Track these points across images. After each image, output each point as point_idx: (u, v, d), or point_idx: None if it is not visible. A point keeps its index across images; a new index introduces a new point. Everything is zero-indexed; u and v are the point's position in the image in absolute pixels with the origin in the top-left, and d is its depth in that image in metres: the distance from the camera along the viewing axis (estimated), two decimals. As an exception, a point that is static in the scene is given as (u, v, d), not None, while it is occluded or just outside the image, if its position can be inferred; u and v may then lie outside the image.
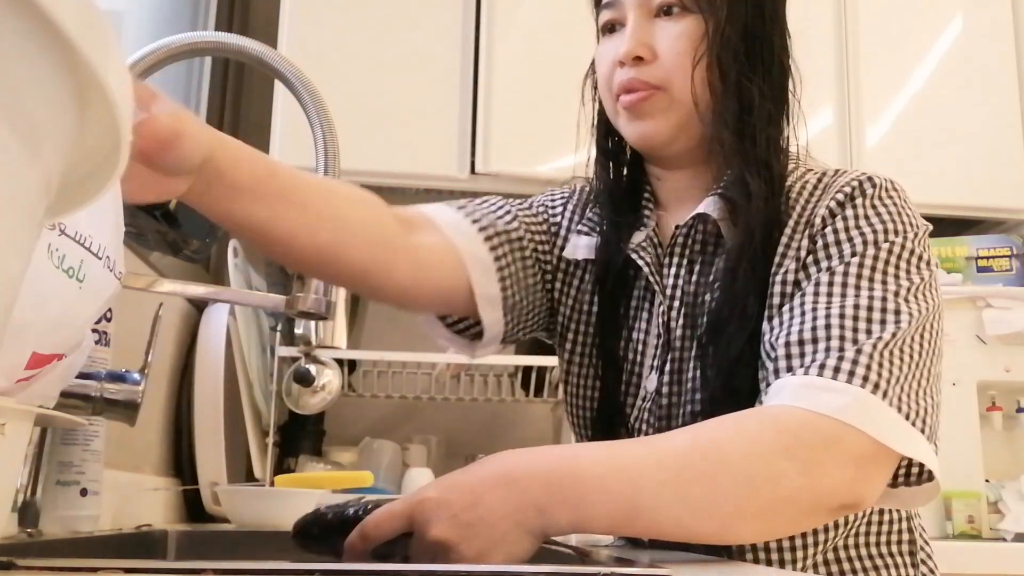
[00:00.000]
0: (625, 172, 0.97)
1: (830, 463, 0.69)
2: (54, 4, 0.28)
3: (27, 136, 0.30)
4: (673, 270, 0.90)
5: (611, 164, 0.97)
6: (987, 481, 1.84)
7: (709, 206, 0.86)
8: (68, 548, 0.85)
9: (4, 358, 0.51)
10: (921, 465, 0.74)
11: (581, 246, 0.96)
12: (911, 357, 0.75)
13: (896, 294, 0.77)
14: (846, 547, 0.86)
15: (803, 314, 0.77)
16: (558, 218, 1.00)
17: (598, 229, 0.96)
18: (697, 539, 0.70)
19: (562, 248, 0.98)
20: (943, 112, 2.10)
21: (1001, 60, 2.13)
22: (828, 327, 0.75)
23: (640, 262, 0.91)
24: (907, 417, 0.72)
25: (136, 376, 0.87)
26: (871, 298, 0.77)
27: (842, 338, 0.74)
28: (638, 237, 0.92)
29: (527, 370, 1.97)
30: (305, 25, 1.95)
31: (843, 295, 0.77)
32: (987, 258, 2.01)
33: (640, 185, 0.96)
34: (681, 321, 0.88)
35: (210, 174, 0.71)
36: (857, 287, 0.78)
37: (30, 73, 0.29)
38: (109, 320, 0.96)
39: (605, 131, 0.97)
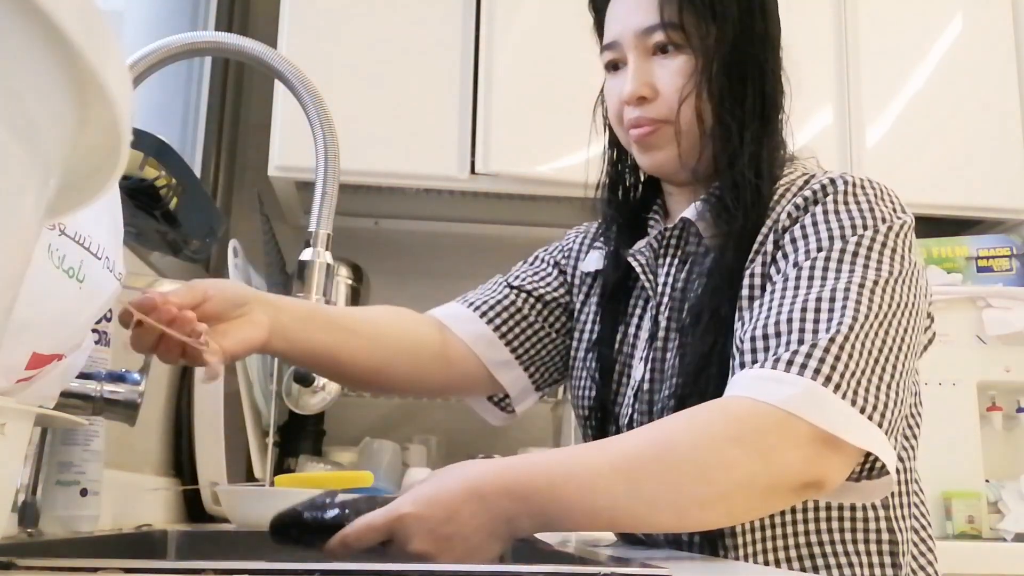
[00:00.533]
0: (640, 190, 1.04)
1: (781, 445, 0.71)
2: (54, 4, 0.28)
3: (27, 136, 0.30)
4: (665, 268, 0.95)
5: (620, 191, 1.04)
6: (987, 481, 1.83)
7: (693, 212, 0.92)
8: (68, 548, 0.85)
9: (4, 358, 0.51)
10: (877, 458, 0.75)
11: (593, 259, 1.05)
12: (872, 352, 0.75)
13: (861, 285, 0.78)
14: (820, 543, 0.87)
15: (769, 309, 0.79)
16: (570, 244, 1.11)
17: (609, 243, 1.03)
18: (658, 530, 0.74)
19: (574, 267, 1.08)
20: (943, 112, 2.10)
21: (1001, 60, 2.13)
22: (790, 321, 0.77)
23: (635, 264, 0.96)
24: (862, 411, 0.73)
25: (136, 376, 0.87)
26: (834, 289, 0.78)
27: (802, 331, 0.76)
28: (640, 244, 0.98)
29: (527, 370, 1.96)
30: (305, 25, 1.95)
31: (808, 287, 0.79)
32: (987, 258, 2.01)
33: (650, 201, 1.02)
34: (667, 313, 0.93)
35: (275, 309, 0.88)
36: (823, 278, 0.79)
37: (30, 73, 0.29)
38: (109, 320, 0.96)
39: (617, 157, 1.03)
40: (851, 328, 0.75)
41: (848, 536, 0.87)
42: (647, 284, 0.95)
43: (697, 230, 0.92)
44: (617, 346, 0.97)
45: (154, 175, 1.14)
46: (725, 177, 0.90)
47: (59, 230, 0.55)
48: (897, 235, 0.82)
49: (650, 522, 0.73)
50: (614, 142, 1.02)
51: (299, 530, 0.72)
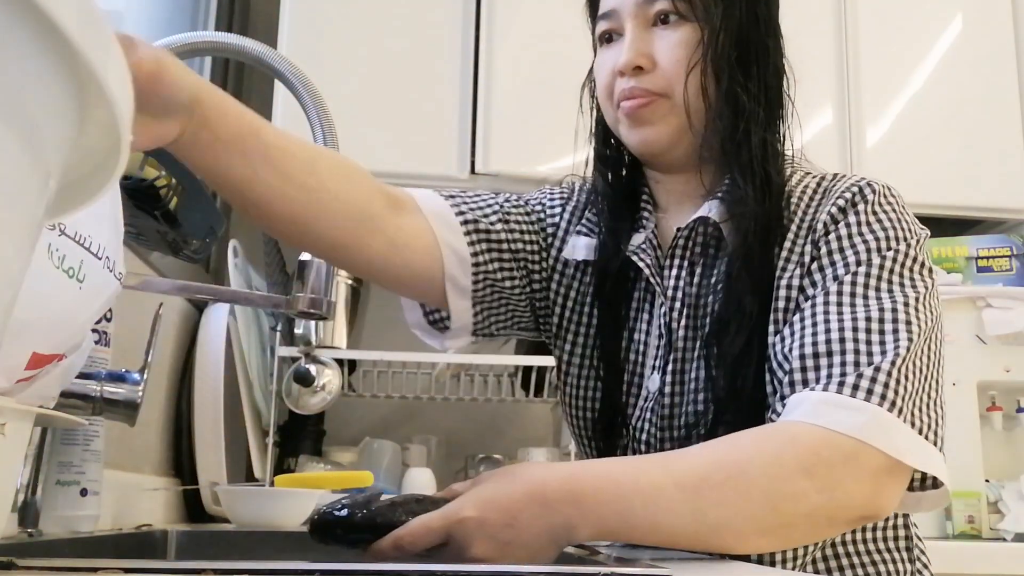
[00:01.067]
0: (624, 176, 0.98)
1: (848, 479, 0.71)
2: (54, 4, 0.28)
3: (27, 136, 0.30)
4: (674, 271, 0.91)
5: (609, 170, 0.98)
6: (987, 481, 1.83)
7: (709, 209, 0.88)
8: (68, 548, 0.85)
9: (4, 358, 0.51)
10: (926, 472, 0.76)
11: (580, 247, 0.97)
12: (922, 371, 0.77)
13: (906, 304, 0.78)
14: (843, 543, 0.87)
15: (815, 325, 0.79)
16: (556, 219, 1.01)
17: (597, 231, 0.97)
18: (714, 551, 0.73)
19: (559, 249, 0.99)
20: (943, 112, 2.10)
21: (1001, 60, 2.13)
22: (842, 340, 0.77)
23: (640, 264, 0.92)
24: (920, 432, 0.74)
25: (136, 376, 0.88)
26: (882, 310, 0.78)
27: (857, 352, 0.76)
28: (637, 239, 0.93)
29: (527, 370, 1.97)
30: (305, 25, 1.95)
31: (853, 305, 0.79)
32: (987, 258, 2.01)
33: (638, 188, 0.97)
34: (683, 322, 0.89)
35: (197, 122, 0.71)
36: (866, 297, 0.79)
37: (30, 73, 0.29)
38: (109, 320, 0.96)
39: (604, 138, 0.98)
40: (908, 350, 0.76)
41: (869, 535, 0.88)
42: (657, 287, 0.91)
43: (707, 231, 0.89)
44: (623, 352, 0.94)
45: (154, 175, 1.14)
46: (734, 162, 0.86)
47: (59, 230, 0.55)
48: (922, 247, 0.83)
49: (709, 543, 0.72)
50: (601, 121, 0.96)
51: (344, 529, 0.68)
